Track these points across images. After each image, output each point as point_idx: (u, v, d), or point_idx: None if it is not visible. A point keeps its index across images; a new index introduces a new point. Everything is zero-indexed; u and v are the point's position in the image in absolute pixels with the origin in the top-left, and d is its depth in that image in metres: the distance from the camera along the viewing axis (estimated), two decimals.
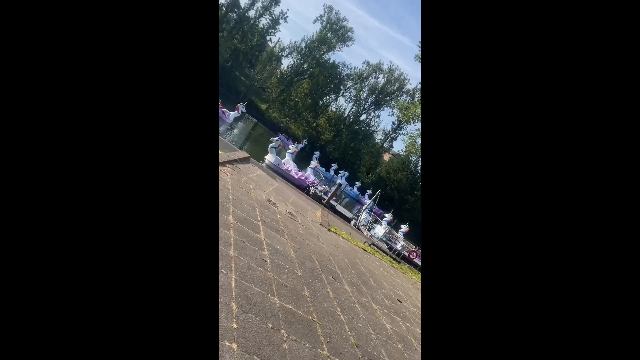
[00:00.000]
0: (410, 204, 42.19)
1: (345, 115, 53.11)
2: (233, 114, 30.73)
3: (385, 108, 53.37)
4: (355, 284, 6.07)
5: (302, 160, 38.55)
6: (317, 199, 20.73)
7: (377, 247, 14.91)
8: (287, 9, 49.30)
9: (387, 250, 17.44)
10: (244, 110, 32.44)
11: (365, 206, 23.84)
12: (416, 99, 47.57)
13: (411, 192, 43.77)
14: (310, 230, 7.57)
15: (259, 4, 46.65)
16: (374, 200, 23.28)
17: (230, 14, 45.47)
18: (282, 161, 21.90)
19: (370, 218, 22.38)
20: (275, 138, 22.00)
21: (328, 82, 49.85)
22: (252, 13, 47.15)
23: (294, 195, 11.82)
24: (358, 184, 38.14)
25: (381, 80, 51.86)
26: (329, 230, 8.94)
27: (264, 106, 50.04)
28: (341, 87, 52.31)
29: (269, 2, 46.45)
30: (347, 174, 37.40)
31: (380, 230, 20.42)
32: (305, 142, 43.27)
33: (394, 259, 14.31)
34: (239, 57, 46.50)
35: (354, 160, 48.21)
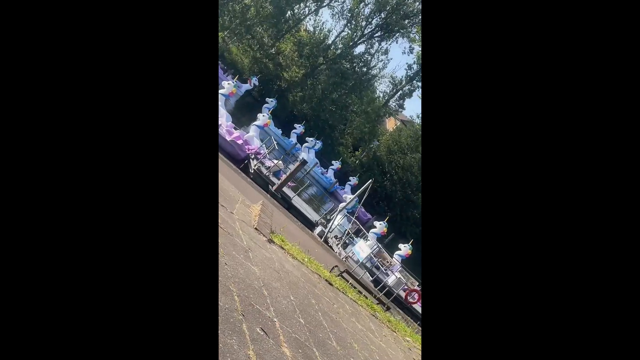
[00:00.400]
0: (420, 208, 42.55)
1: (330, 42, 52.51)
2: (245, 86, 39.49)
3: (400, 39, 53.35)
4: (303, 345, 5.84)
5: (243, 110, 37.83)
6: (261, 182, 20.41)
7: (355, 278, 14.90)
8: None
9: (371, 286, 17.53)
10: (256, 83, 41.38)
11: (343, 204, 23.78)
12: None
13: None
14: (234, 238, 7.23)
15: None
16: (360, 196, 23.24)
17: None
18: None
19: (350, 226, 22.38)
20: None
21: None
22: None
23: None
24: (337, 164, 38.21)
25: None
26: (271, 241, 8.65)
27: None
28: None
29: None
30: (319, 144, 37.27)
31: (363, 249, 20.54)
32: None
33: (380, 302, 14.33)
34: None
35: (335, 122, 47.91)
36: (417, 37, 50.55)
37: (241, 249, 6.86)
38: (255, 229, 8.46)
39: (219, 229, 6.77)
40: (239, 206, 8.92)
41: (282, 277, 7.33)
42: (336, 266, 14.70)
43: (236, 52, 47.78)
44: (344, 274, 14.15)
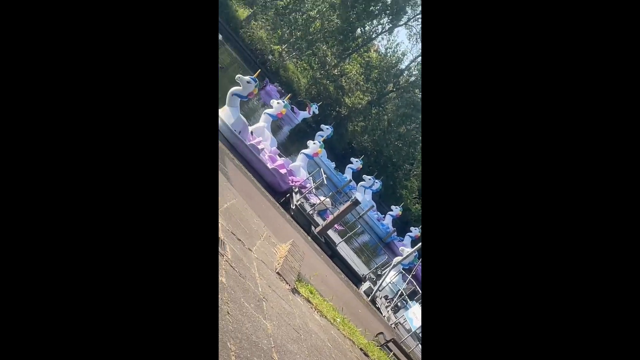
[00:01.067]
0: None
1: (403, 67, 52.59)
2: (302, 114, 40.35)
3: None
4: None
5: (295, 137, 37.94)
6: (303, 221, 20.01)
7: (403, 350, 14.19)
8: None
9: None
10: (316, 111, 41.00)
11: (399, 259, 23.12)
12: None
13: None
14: (246, 281, 6.82)
15: None
16: (420, 250, 22.51)
17: None
18: (250, 129, 21.16)
19: (405, 286, 21.57)
20: (248, 78, 20.98)
21: None
22: None
23: (239, 196, 10.95)
24: (397, 210, 37.61)
25: None
26: (295, 291, 8.22)
27: (243, 13, 49.58)
28: (407, 9, 51.73)
29: None
30: (379, 184, 36.84)
31: (418, 315, 19.61)
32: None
33: None
34: None
35: (399, 160, 47.58)
36: None
37: (253, 297, 6.45)
38: (278, 273, 8.11)
39: (229, 268, 6.39)
40: (262, 243, 8.57)
41: (302, 339, 6.92)
42: (382, 333, 14.10)
43: (293, 70, 48.30)
44: (390, 344, 13.50)
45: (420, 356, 17.24)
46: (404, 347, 14.93)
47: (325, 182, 23.76)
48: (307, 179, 22.89)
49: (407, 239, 34.95)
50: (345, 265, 20.59)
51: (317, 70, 48.67)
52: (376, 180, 36.58)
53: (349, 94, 49.23)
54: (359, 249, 25.93)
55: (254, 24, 48.84)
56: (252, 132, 21.25)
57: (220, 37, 36.09)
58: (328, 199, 22.30)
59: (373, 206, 33.84)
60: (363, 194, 33.25)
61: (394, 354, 12.51)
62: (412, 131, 48.68)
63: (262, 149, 21.23)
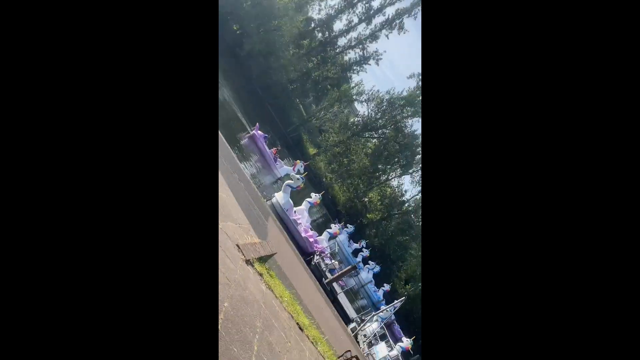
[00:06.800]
0: None
1: (405, 200, 52.30)
2: (286, 169, 26.18)
3: None
4: None
5: (322, 225, 37.24)
6: (317, 274, 19.38)
7: None
8: (384, 51, 50.33)
9: None
10: (302, 169, 25.47)
11: (378, 312, 21.79)
12: None
13: None
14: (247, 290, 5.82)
15: (353, 34, 49.45)
16: (394, 306, 21.30)
17: (317, 32, 48.65)
18: (295, 209, 21.06)
19: (378, 329, 20.29)
20: (298, 176, 21.17)
21: (399, 151, 49.78)
22: (342, 41, 50.13)
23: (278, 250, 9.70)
24: (387, 287, 35.68)
25: None
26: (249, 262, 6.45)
27: (312, 150, 50.97)
28: (413, 166, 51.80)
29: (365, 36, 49.20)
30: (378, 268, 35.49)
31: (383, 351, 18.25)
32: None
33: None
34: (306, 83, 48.71)
35: (394, 257, 46.17)
36: None
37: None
38: (237, 245, 6.24)
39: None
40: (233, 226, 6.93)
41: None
42: (349, 351, 12.97)
43: (337, 190, 48.79)
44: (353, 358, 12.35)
45: None
46: None
47: (337, 252, 23.11)
48: (327, 248, 22.35)
49: (391, 308, 32.77)
50: (341, 309, 19.63)
51: (351, 193, 48.99)
52: (376, 265, 35.36)
53: (370, 212, 49.16)
54: (357, 308, 24.59)
55: (317, 158, 50.11)
56: (296, 211, 21.11)
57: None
58: (336, 263, 21.69)
59: (372, 281, 32.52)
60: (367, 273, 32.10)
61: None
62: (407, 241, 47.70)
63: (300, 224, 20.98)
